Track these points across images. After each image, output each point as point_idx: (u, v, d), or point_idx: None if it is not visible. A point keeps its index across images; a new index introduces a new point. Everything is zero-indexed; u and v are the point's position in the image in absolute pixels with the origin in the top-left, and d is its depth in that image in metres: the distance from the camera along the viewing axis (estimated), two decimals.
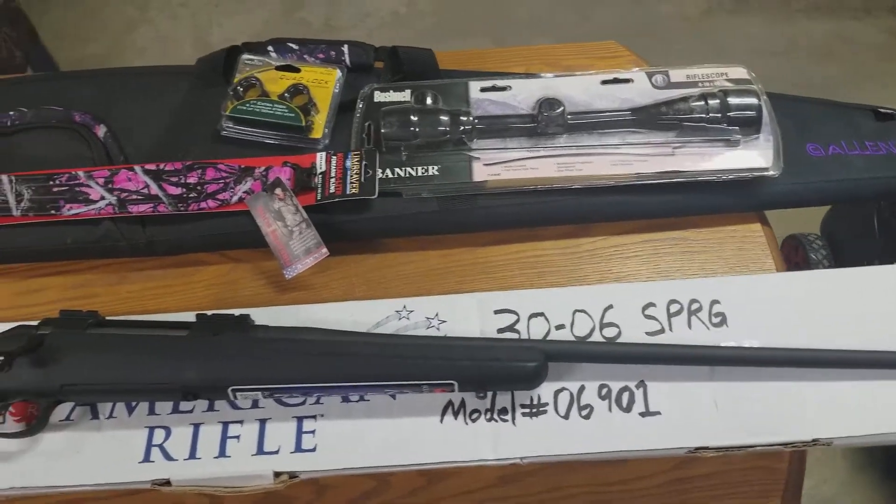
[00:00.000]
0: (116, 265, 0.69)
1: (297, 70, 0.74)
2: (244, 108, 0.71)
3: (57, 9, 1.98)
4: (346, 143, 0.72)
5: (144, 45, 1.97)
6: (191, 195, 0.67)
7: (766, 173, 0.66)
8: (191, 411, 0.55)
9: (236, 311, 0.57)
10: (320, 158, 0.69)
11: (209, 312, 0.56)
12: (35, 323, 0.56)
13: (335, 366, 0.52)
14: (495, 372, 0.52)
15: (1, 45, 1.58)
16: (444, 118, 0.68)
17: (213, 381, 0.52)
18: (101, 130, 0.73)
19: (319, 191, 0.67)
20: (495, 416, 0.54)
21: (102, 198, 0.67)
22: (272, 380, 0.52)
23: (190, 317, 0.57)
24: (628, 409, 0.53)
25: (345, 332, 0.55)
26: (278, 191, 0.66)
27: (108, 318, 0.57)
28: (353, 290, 0.67)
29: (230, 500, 0.57)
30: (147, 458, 0.53)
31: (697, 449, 0.52)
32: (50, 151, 0.72)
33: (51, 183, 0.68)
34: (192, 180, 0.68)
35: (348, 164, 0.68)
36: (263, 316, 0.57)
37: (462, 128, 0.68)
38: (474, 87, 0.72)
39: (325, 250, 0.65)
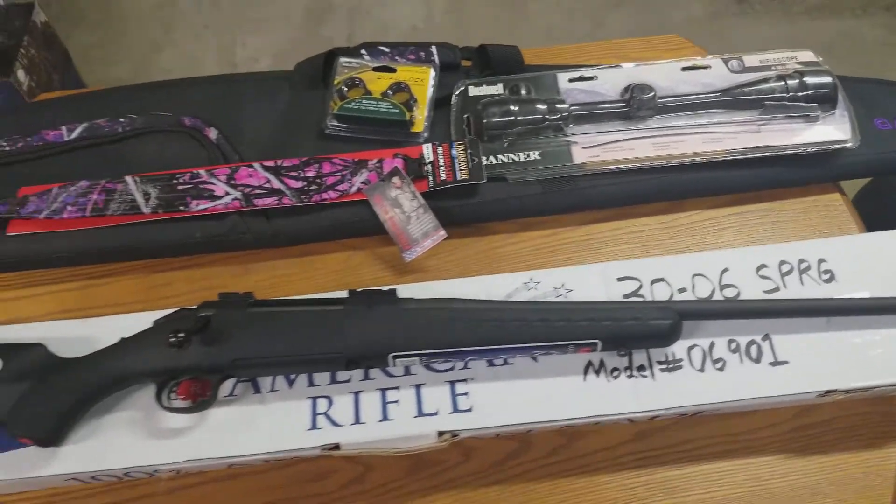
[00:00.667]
0: (240, 257, 0.73)
1: (393, 70, 0.79)
2: (351, 106, 0.76)
3: (81, 32, 2.02)
4: (444, 136, 0.77)
5: (170, 66, 2.01)
6: (311, 187, 0.71)
7: (845, 145, 0.72)
8: (348, 381, 0.59)
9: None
10: (427, 149, 0.73)
11: (360, 289, 0.60)
12: (193, 307, 0.59)
13: (487, 331, 0.56)
14: (635, 330, 0.56)
15: (41, 68, 1.62)
16: (542, 106, 0.73)
17: (376, 350, 0.56)
18: (212, 133, 0.77)
19: (431, 178, 0.71)
20: (634, 373, 0.58)
21: (227, 193, 0.71)
22: (428, 345, 0.56)
23: (334, 295, 0.61)
24: (758, 360, 0.58)
25: (489, 301, 0.59)
26: (395, 179, 0.71)
27: (258, 298, 0.60)
28: (469, 270, 0.71)
29: (382, 465, 0.61)
30: (314, 426, 0.57)
31: (827, 392, 0.56)
32: (164, 154, 0.76)
33: (174, 181, 0.72)
34: (310, 174, 0.72)
35: (454, 153, 0.72)
36: (404, 292, 0.61)
37: (559, 115, 0.73)
38: (562, 78, 0.77)
39: (443, 232, 0.69)
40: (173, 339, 0.55)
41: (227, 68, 2.01)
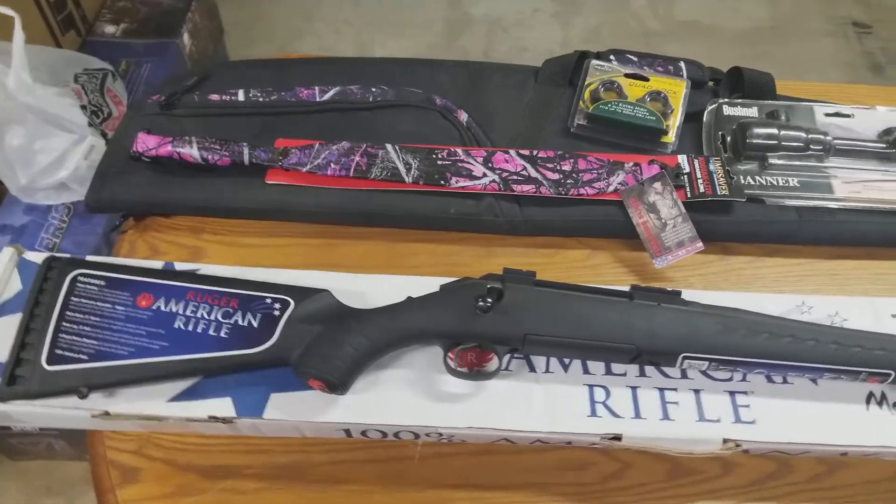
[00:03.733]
0: (483, 239, 0.73)
1: (646, 79, 0.79)
2: (606, 108, 0.76)
3: (228, 8, 2.07)
4: (690, 149, 0.77)
5: (308, 49, 2.06)
6: (568, 181, 0.72)
7: None
8: (624, 374, 0.59)
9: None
10: (683, 160, 0.73)
11: (643, 285, 0.60)
12: (477, 278, 0.60)
13: (783, 346, 0.56)
14: None
15: (202, 35, 1.66)
16: (805, 135, 0.73)
17: (668, 347, 0.56)
18: (463, 115, 0.78)
19: (688, 189, 0.71)
20: None
21: (485, 175, 0.72)
22: (722, 351, 0.56)
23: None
24: None
25: (778, 317, 0.59)
26: (657, 185, 0.71)
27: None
28: (715, 287, 0.70)
29: (641, 464, 0.60)
30: (594, 413, 0.56)
31: None
32: (416, 129, 0.77)
33: (434, 156, 0.73)
34: (566, 168, 0.73)
35: (711, 167, 0.72)
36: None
37: (821, 145, 0.73)
38: (818, 110, 0.77)
39: (699, 244, 0.69)
40: (482, 304, 0.55)
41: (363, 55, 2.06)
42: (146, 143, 0.72)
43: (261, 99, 0.79)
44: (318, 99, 0.79)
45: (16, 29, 0.91)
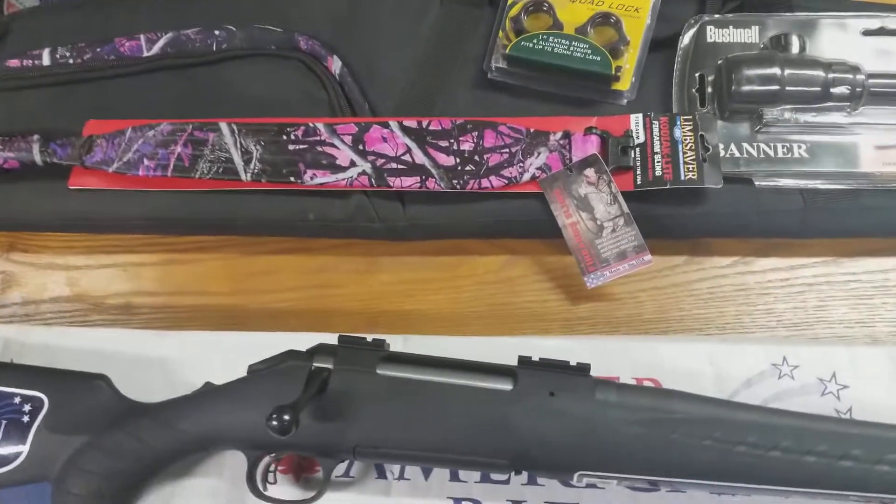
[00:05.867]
0: (362, 246, 0.54)
1: None
2: (531, 46, 0.53)
3: None
4: (658, 100, 0.54)
5: None
6: (467, 168, 0.51)
7: None
8: (506, 482, 0.42)
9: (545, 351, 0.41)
10: (636, 123, 0.51)
11: (535, 357, 0.41)
12: (304, 350, 0.42)
13: (735, 462, 0.37)
14: None
15: None
16: (822, 74, 0.48)
17: (558, 463, 0.38)
18: (334, 65, 0.56)
19: (639, 172, 0.49)
20: None
21: (353, 164, 0.52)
22: (636, 470, 0.38)
23: (480, 346, 0.43)
24: None
25: (732, 405, 0.40)
26: (590, 172, 0.49)
27: (391, 350, 0.43)
28: (673, 310, 0.50)
29: None
30: None
31: None
32: (269, 89, 0.57)
33: (284, 137, 0.53)
34: (466, 147, 0.51)
35: (677, 133, 0.50)
36: (566, 349, 0.42)
37: (849, 89, 0.48)
38: (854, 27, 0.51)
39: (648, 257, 0.48)
40: (276, 423, 0.38)
41: None
42: None
43: (71, 60, 0.59)
44: (144, 53, 0.58)
45: None
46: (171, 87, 0.58)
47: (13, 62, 0.59)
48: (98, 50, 0.59)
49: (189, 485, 0.44)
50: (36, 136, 0.54)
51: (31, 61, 0.59)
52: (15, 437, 0.42)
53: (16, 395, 0.43)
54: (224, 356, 0.45)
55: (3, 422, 0.42)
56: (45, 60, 0.59)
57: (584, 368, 0.40)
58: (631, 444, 0.38)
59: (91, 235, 0.57)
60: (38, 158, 0.54)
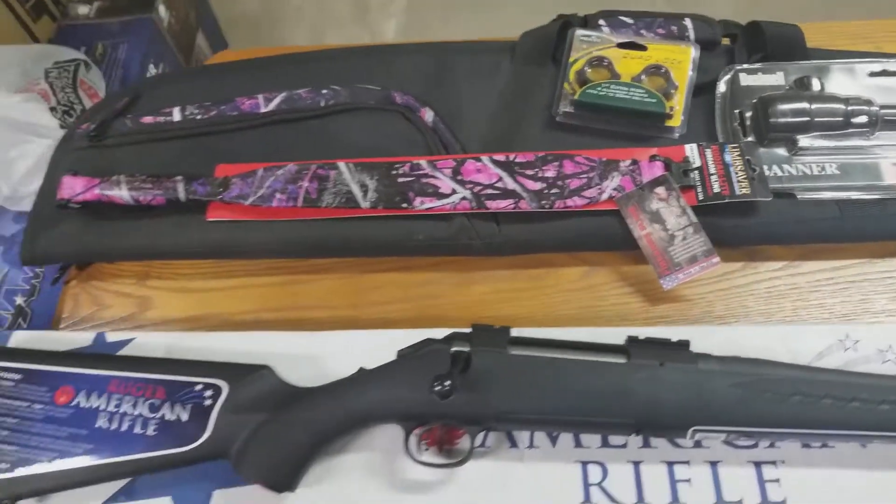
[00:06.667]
0: (459, 263, 0.63)
1: (643, 48, 0.66)
2: (595, 92, 0.64)
3: None
4: (701, 133, 0.64)
5: (300, 3, 1.92)
6: (553, 191, 0.60)
7: None
8: (624, 446, 0.49)
9: (646, 329, 0.50)
10: (692, 151, 0.61)
11: (640, 336, 0.49)
12: (440, 338, 0.50)
13: (819, 412, 0.45)
14: None
15: (179, 3, 1.54)
16: (843, 106, 0.59)
17: (674, 421, 0.46)
18: (427, 115, 0.67)
19: (700, 189, 0.59)
20: None
21: (454, 191, 0.61)
22: (740, 422, 0.46)
23: (583, 335, 0.51)
24: None
25: (812, 369, 0.48)
26: (660, 189, 0.59)
27: (517, 335, 0.51)
28: (738, 307, 0.59)
29: None
30: (587, 499, 0.48)
31: None
32: (375, 135, 0.66)
33: (393, 173, 0.62)
34: (550, 174, 0.61)
35: (728, 158, 0.60)
36: (657, 335, 0.50)
37: (867, 118, 0.59)
38: (861, 70, 0.63)
39: (716, 259, 0.57)
40: (438, 388, 0.46)
41: (359, 8, 1.91)
42: (73, 187, 0.64)
43: (199, 116, 0.68)
44: (262, 109, 0.68)
45: None
46: (286, 137, 0.67)
47: (147, 119, 0.69)
48: (222, 108, 0.69)
49: (347, 459, 0.50)
50: (179, 177, 0.63)
51: (163, 118, 0.69)
52: (199, 418, 0.49)
53: (197, 383, 0.50)
54: (352, 352, 0.51)
55: (189, 405, 0.50)
56: (176, 116, 0.69)
57: (684, 344, 0.49)
58: (732, 402, 0.46)
59: (216, 262, 0.65)
60: (182, 195, 0.62)
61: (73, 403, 0.51)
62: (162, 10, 1.46)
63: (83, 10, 1.46)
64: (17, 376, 0.52)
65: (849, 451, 0.48)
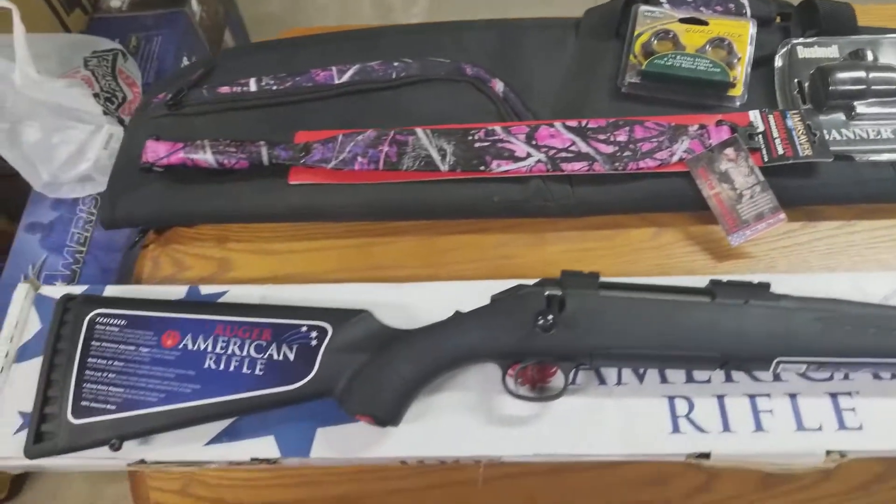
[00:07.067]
0: (532, 225, 0.66)
1: (705, 23, 0.69)
2: (662, 62, 0.67)
3: None
4: (761, 101, 0.67)
5: (324, 2, 1.95)
6: (625, 154, 0.63)
7: None
8: (708, 381, 0.52)
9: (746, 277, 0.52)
10: (755, 117, 0.64)
11: (723, 278, 0.52)
12: (532, 283, 0.53)
13: (891, 341, 0.48)
14: None
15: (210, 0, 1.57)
16: None
17: (761, 353, 0.49)
18: (498, 85, 0.70)
19: (765, 152, 0.62)
20: None
21: (529, 155, 0.64)
22: (821, 352, 0.48)
23: (674, 281, 0.53)
24: None
25: (885, 306, 0.51)
26: (729, 150, 0.62)
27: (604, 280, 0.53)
28: (803, 262, 0.62)
29: (728, 474, 0.54)
30: (676, 429, 0.50)
31: None
32: (447, 105, 0.69)
33: (469, 138, 0.65)
34: (621, 138, 0.64)
35: (789, 123, 0.63)
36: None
37: None
38: None
39: (782, 215, 0.60)
40: (542, 322, 0.48)
41: (380, 7, 1.95)
42: (156, 151, 0.66)
43: (274, 87, 0.71)
44: (336, 81, 0.71)
45: (15, 21, 0.85)
46: (361, 107, 0.70)
47: (224, 89, 0.72)
48: (297, 79, 0.71)
49: (445, 397, 0.52)
50: (262, 142, 0.65)
51: (239, 88, 0.71)
52: (306, 358, 0.51)
53: (302, 325, 0.52)
54: (441, 301, 0.53)
55: (295, 346, 0.52)
56: (252, 87, 0.71)
57: (765, 285, 0.51)
58: (815, 334, 0.48)
59: (295, 225, 0.67)
60: (265, 159, 0.65)
61: (181, 346, 0.53)
62: (194, 3, 1.49)
63: (115, 3, 1.48)
64: (122, 321, 0.54)
65: None
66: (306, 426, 0.52)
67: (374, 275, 0.64)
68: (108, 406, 0.52)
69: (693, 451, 0.49)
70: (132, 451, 0.52)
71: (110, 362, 0.53)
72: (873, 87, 0.63)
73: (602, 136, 0.64)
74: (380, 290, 0.58)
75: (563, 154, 0.64)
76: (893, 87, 0.63)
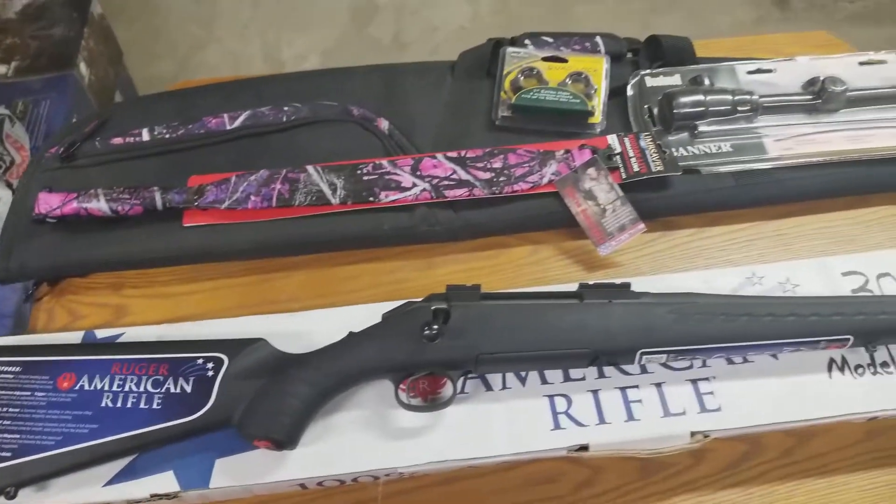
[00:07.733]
0: (422, 251, 0.70)
1: (564, 60, 0.77)
2: (529, 96, 0.74)
3: (121, 28, 1.96)
4: (619, 127, 0.75)
5: (216, 62, 1.97)
6: (501, 178, 0.69)
7: None
8: (583, 379, 0.57)
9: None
10: (613, 140, 0.71)
11: (591, 282, 0.58)
12: (420, 300, 0.57)
13: (740, 327, 0.54)
14: (889, 325, 0.55)
15: (99, 62, 1.57)
16: (731, 97, 0.72)
17: (624, 346, 0.54)
18: (383, 123, 0.74)
19: (623, 170, 0.69)
20: (879, 370, 0.57)
21: (415, 184, 0.68)
22: (678, 342, 0.54)
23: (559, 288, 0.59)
24: None
25: (732, 296, 0.57)
26: (591, 171, 0.69)
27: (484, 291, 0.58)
28: (663, 266, 0.69)
29: (611, 467, 0.58)
30: (557, 426, 0.54)
31: None
32: (337, 144, 0.73)
33: (358, 172, 0.69)
34: (497, 165, 0.70)
35: (643, 144, 0.70)
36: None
37: (749, 106, 0.71)
38: (740, 70, 0.76)
39: (641, 225, 0.67)
40: (428, 332, 0.52)
41: (274, 66, 1.98)
42: (49, 202, 0.67)
43: (167, 136, 0.73)
44: (228, 127, 0.74)
45: None
46: (253, 150, 0.73)
47: (117, 140, 0.73)
48: (189, 127, 0.74)
49: (341, 417, 0.55)
50: (156, 186, 0.67)
51: (132, 139, 0.73)
52: (203, 389, 0.53)
53: (198, 357, 0.54)
54: (330, 327, 0.56)
55: (192, 378, 0.53)
56: (145, 136, 0.73)
57: (626, 285, 0.57)
58: (670, 326, 0.54)
59: (192, 267, 0.69)
60: (159, 203, 0.67)
61: (77, 387, 0.53)
62: (83, 66, 1.49)
63: (1, 69, 1.46)
64: (16, 368, 0.54)
65: (765, 364, 0.57)
66: (205, 457, 0.53)
67: (272, 308, 0.66)
68: (3, 454, 0.51)
69: (573, 444, 0.54)
70: (29, 497, 0.52)
71: (4, 409, 0.53)
72: (711, 108, 0.71)
73: (480, 164, 0.70)
74: (276, 320, 0.61)
75: (446, 182, 0.69)
76: (727, 107, 0.72)
